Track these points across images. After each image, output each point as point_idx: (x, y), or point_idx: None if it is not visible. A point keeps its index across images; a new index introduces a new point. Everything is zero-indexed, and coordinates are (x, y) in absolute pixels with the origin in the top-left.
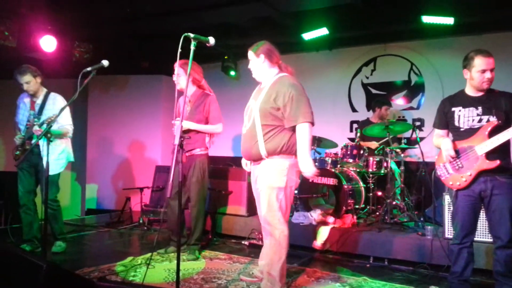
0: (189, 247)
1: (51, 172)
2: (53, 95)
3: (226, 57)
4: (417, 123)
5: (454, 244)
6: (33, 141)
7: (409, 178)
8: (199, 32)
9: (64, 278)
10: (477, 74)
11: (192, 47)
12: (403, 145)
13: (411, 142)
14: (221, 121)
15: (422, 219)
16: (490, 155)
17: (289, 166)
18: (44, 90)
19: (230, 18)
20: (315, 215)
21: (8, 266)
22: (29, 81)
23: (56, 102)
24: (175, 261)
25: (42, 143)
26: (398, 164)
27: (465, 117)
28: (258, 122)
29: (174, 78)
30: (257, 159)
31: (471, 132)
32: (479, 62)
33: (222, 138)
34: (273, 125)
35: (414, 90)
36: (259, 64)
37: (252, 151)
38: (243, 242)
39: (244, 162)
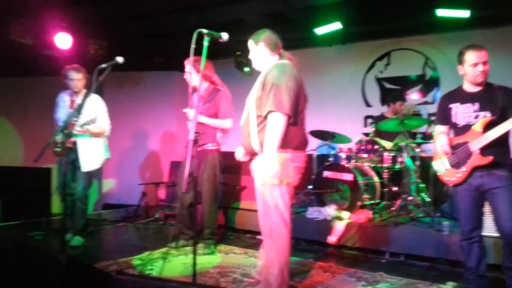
0: (204, 242)
1: (88, 168)
2: (92, 95)
3: (238, 53)
4: (433, 118)
5: (463, 240)
6: (72, 139)
7: (425, 173)
8: (212, 28)
9: (83, 271)
10: (469, 69)
11: (205, 43)
12: (418, 140)
13: (427, 137)
14: (230, 116)
15: (438, 214)
16: (485, 150)
17: (284, 161)
18: (84, 91)
19: (242, 14)
20: (330, 210)
21: (28, 259)
22: (81, 79)
23: (95, 103)
24: (191, 255)
25: (81, 141)
26: (413, 159)
27: (462, 113)
28: (252, 113)
29: (186, 76)
30: (252, 153)
31: (467, 128)
32: (470, 57)
33: (234, 134)
34: (266, 116)
35: (429, 84)
36: (258, 52)
37: (247, 145)
38: (257, 237)
39: (237, 153)
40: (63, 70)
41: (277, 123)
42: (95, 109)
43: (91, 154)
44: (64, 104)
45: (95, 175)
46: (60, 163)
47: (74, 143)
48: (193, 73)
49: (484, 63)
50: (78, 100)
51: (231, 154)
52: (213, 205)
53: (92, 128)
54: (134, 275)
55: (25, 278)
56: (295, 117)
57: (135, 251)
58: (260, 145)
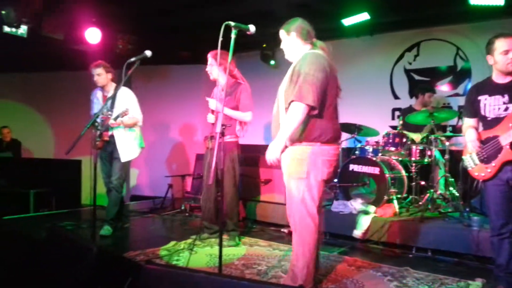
0: (228, 233)
1: (127, 158)
2: (123, 89)
3: (264, 45)
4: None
5: (494, 236)
6: (109, 132)
7: (455, 167)
8: (238, 21)
9: (113, 260)
10: (499, 56)
11: (233, 36)
12: (448, 133)
13: (457, 130)
14: (250, 109)
15: (468, 209)
16: None
17: (311, 154)
18: (114, 85)
19: (268, 5)
20: (356, 204)
21: (61, 249)
22: (100, 73)
23: (126, 95)
24: (216, 247)
25: (117, 133)
26: (442, 152)
27: (491, 105)
28: (281, 105)
29: (208, 68)
30: None
31: (497, 121)
32: (501, 44)
33: (261, 127)
34: None
35: (460, 75)
36: (290, 42)
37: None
38: (282, 230)
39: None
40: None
41: (296, 112)
42: (126, 101)
43: (128, 145)
44: (98, 100)
45: (127, 166)
46: (100, 156)
47: (112, 136)
48: (214, 66)
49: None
50: (109, 95)
51: (257, 147)
52: (235, 197)
53: (125, 119)
54: (162, 265)
55: (57, 266)
56: (324, 109)
57: (162, 242)
58: (292, 139)
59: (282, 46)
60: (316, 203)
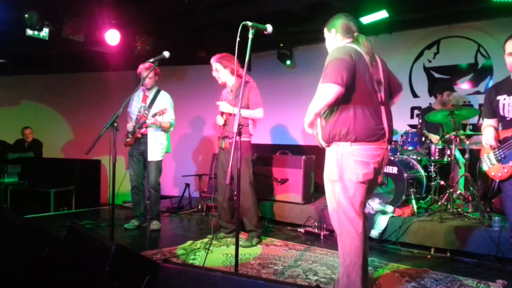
0: (248, 233)
1: (155, 158)
2: (163, 92)
3: (281, 45)
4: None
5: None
6: (142, 130)
7: (475, 167)
8: (254, 21)
9: (131, 258)
10: (508, 58)
11: (250, 35)
12: (468, 132)
13: (477, 129)
14: (260, 106)
15: (488, 209)
16: None
17: (342, 155)
18: (156, 87)
19: (285, 5)
20: (373, 204)
21: (80, 246)
22: (152, 77)
23: (165, 99)
24: (233, 246)
25: (150, 133)
26: (462, 152)
27: (509, 105)
28: None
29: (214, 74)
30: (322, 147)
31: None
32: (508, 46)
33: (276, 126)
34: (327, 109)
35: (481, 73)
36: (331, 39)
37: (315, 139)
38: (298, 229)
39: None
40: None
41: (322, 92)
42: (164, 104)
43: (158, 146)
44: (138, 99)
45: (160, 166)
46: (130, 154)
47: (145, 136)
48: (220, 70)
49: None
50: (150, 95)
51: (274, 146)
52: (252, 196)
53: (160, 119)
54: (179, 264)
55: (77, 263)
56: (352, 107)
57: (179, 241)
58: (323, 140)
59: (326, 44)
60: (355, 207)
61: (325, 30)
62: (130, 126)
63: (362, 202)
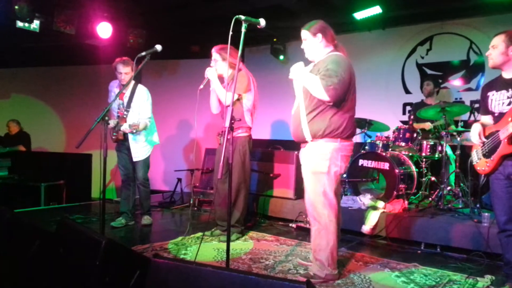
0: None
1: (140, 158)
2: (140, 87)
3: (275, 40)
4: (476, 105)
5: (499, 232)
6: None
7: (466, 163)
8: (248, 15)
9: (121, 253)
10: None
11: (243, 30)
12: (459, 128)
13: (469, 125)
14: (239, 91)
15: (478, 205)
16: None
17: (333, 150)
18: (133, 83)
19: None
20: (365, 199)
21: (71, 241)
22: (128, 72)
23: (142, 95)
24: (224, 241)
25: (130, 137)
26: (453, 148)
27: (496, 101)
28: (301, 103)
29: (212, 64)
30: (302, 141)
31: (501, 116)
32: (493, 40)
33: (270, 121)
34: (316, 106)
35: (473, 70)
36: (316, 43)
37: (298, 134)
38: (290, 224)
39: None
40: (113, 62)
41: (321, 90)
42: (141, 101)
43: (139, 146)
44: (114, 94)
45: (148, 161)
46: (117, 149)
47: (125, 135)
48: (219, 61)
49: (493, 46)
50: (127, 92)
51: (265, 141)
52: (242, 191)
53: (136, 128)
54: (169, 259)
55: (67, 257)
56: (346, 107)
57: (170, 236)
58: (311, 135)
59: (303, 46)
60: (336, 195)
61: (308, 33)
62: (113, 122)
63: (339, 191)
